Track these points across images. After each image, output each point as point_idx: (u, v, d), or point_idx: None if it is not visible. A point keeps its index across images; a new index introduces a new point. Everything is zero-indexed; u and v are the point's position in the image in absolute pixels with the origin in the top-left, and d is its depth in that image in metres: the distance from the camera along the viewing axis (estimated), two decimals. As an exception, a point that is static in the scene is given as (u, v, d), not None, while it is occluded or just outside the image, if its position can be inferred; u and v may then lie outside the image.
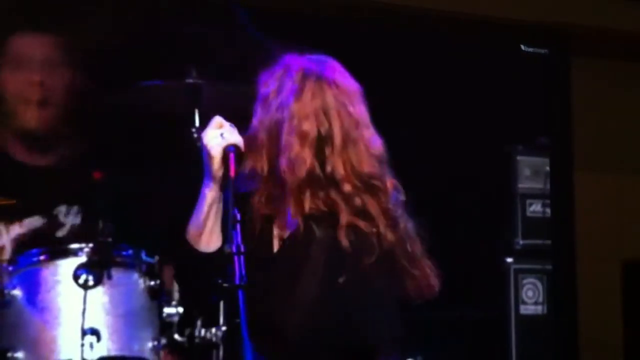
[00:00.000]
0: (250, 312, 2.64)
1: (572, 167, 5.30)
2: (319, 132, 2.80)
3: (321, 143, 2.81)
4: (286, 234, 2.86)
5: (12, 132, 3.67)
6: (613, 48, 5.37)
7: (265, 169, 2.84)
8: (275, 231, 2.87)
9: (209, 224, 2.81)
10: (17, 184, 3.65)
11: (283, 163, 2.79)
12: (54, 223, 3.69)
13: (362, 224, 2.76)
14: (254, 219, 2.86)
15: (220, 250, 2.71)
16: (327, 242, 2.76)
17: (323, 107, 2.83)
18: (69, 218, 3.71)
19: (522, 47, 5.20)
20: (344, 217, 2.76)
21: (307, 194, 2.79)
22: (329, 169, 2.79)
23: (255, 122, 2.88)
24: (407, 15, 4.94)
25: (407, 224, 2.85)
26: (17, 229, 3.65)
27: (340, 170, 2.79)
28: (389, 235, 2.78)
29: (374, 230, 2.76)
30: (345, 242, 2.74)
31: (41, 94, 3.65)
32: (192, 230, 2.84)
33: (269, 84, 2.87)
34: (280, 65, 2.90)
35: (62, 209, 3.71)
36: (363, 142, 2.85)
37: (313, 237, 2.77)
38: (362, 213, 2.78)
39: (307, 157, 2.79)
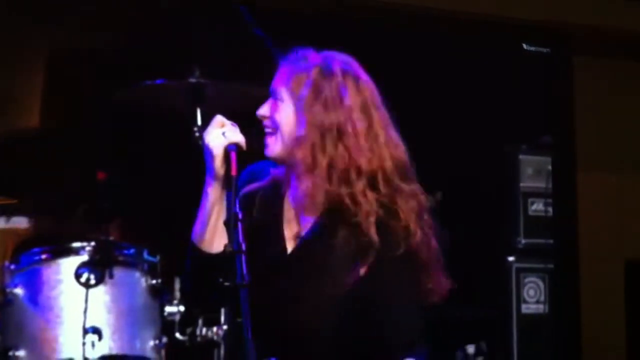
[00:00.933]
0: (266, 312, 2.65)
1: (574, 167, 5.30)
2: (362, 131, 2.84)
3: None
4: (302, 231, 2.86)
5: None
6: (614, 47, 5.37)
7: (309, 166, 2.84)
8: (287, 230, 2.87)
9: (212, 223, 2.82)
10: None
11: (340, 161, 2.81)
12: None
13: (391, 220, 2.79)
14: (267, 217, 2.86)
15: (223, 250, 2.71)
16: (356, 238, 2.78)
17: (364, 107, 2.87)
18: None
19: (524, 46, 5.20)
20: (375, 213, 2.79)
21: (346, 191, 2.82)
22: (367, 167, 2.82)
23: (302, 122, 2.86)
24: (409, 15, 4.94)
25: (431, 224, 2.88)
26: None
27: (375, 169, 2.82)
28: (418, 233, 2.81)
29: (402, 225, 2.79)
30: (374, 237, 2.77)
31: None
32: (196, 230, 2.85)
33: (302, 84, 2.87)
34: (309, 63, 2.89)
35: None
36: (392, 142, 2.89)
37: (343, 233, 2.80)
38: (392, 210, 2.81)
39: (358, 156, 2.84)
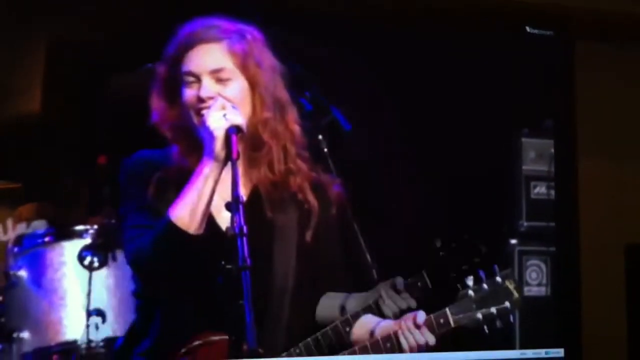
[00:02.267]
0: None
1: (576, 150, 5.30)
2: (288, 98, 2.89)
3: None
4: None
5: None
6: (618, 31, 5.36)
7: (259, 144, 2.87)
8: (214, 209, 2.84)
9: (201, 205, 2.76)
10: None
11: (282, 136, 2.85)
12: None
13: (321, 177, 2.86)
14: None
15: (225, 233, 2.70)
16: (298, 206, 2.82)
17: (281, 73, 2.90)
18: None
19: (527, 28, 5.19)
20: (308, 178, 2.85)
21: (285, 166, 2.87)
22: (298, 135, 2.88)
23: (267, 99, 2.88)
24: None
25: None
26: (22, 229, 3.63)
27: (299, 135, 2.89)
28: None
29: (330, 179, 2.87)
30: (314, 202, 2.82)
31: None
32: (180, 210, 2.78)
33: (250, 59, 2.87)
34: (239, 35, 2.88)
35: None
36: None
37: (284, 206, 2.83)
38: (316, 168, 2.88)
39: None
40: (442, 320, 2.83)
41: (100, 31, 4.09)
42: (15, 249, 3.08)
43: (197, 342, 2.70)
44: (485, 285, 2.85)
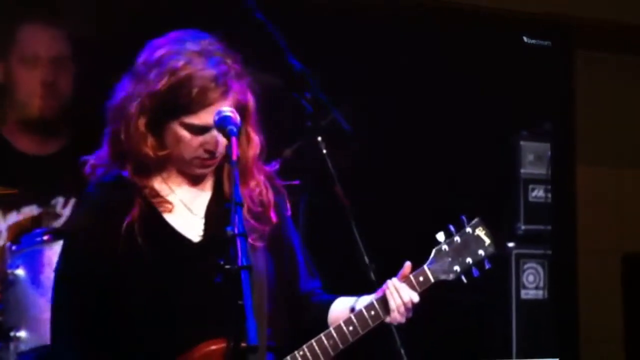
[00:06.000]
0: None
1: (574, 156, 5.31)
2: None
3: None
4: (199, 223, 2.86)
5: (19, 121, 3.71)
6: (616, 40, 5.38)
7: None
8: (174, 223, 2.83)
9: None
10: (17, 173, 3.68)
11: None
12: (50, 213, 3.71)
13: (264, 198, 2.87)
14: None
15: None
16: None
17: None
18: (66, 210, 3.71)
19: (525, 39, 5.20)
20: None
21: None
22: None
23: None
24: (414, 7, 4.96)
25: None
26: (14, 217, 3.65)
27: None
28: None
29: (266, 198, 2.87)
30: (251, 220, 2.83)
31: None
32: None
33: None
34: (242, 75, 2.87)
35: (60, 200, 3.72)
36: None
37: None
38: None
39: None
40: (421, 278, 2.86)
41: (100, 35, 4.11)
42: (13, 247, 3.07)
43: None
44: (456, 238, 2.88)
